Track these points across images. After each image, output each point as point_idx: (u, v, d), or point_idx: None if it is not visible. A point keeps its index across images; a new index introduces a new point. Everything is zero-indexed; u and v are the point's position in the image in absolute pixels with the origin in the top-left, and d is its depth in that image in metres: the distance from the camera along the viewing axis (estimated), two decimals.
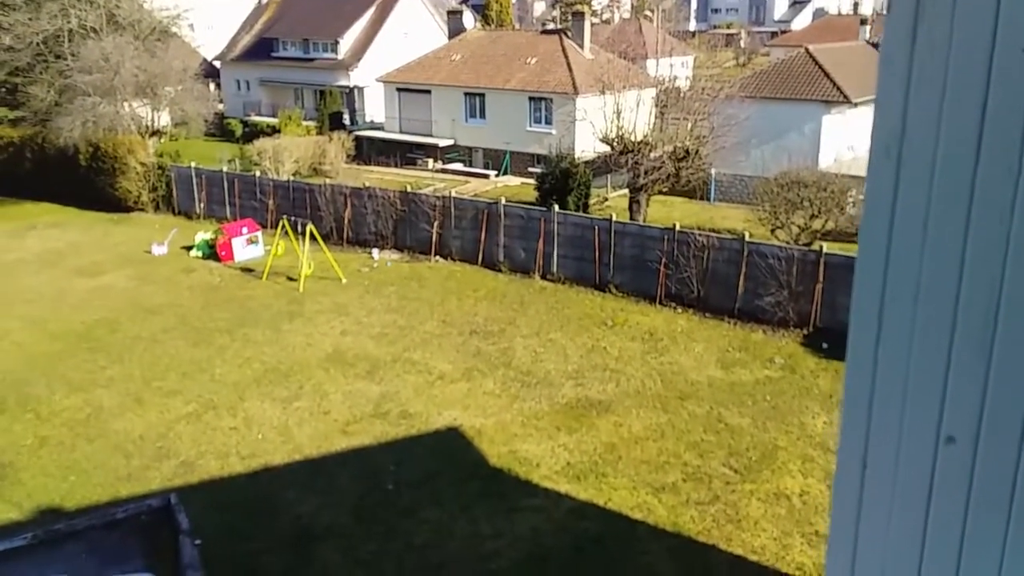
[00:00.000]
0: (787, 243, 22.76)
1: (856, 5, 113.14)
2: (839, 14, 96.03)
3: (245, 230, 27.35)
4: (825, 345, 19.31)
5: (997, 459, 2.62)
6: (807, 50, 37.63)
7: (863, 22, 53.99)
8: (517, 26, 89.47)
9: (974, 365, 2.60)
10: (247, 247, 27.14)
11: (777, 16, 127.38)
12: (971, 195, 2.54)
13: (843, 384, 3.05)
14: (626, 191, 29.44)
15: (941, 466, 2.75)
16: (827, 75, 35.32)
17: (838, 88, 34.60)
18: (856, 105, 34.21)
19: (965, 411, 2.65)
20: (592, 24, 48.03)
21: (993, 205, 2.51)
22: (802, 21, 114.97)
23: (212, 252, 27.11)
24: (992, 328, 2.55)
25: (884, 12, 2.71)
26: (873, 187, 2.78)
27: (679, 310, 21.98)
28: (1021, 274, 2.50)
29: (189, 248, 27.71)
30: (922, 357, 2.74)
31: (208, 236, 27.65)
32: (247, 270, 25.88)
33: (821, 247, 20.49)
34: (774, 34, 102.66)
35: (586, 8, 53.28)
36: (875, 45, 43.78)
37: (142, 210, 32.78)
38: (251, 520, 13.35)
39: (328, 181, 30.50)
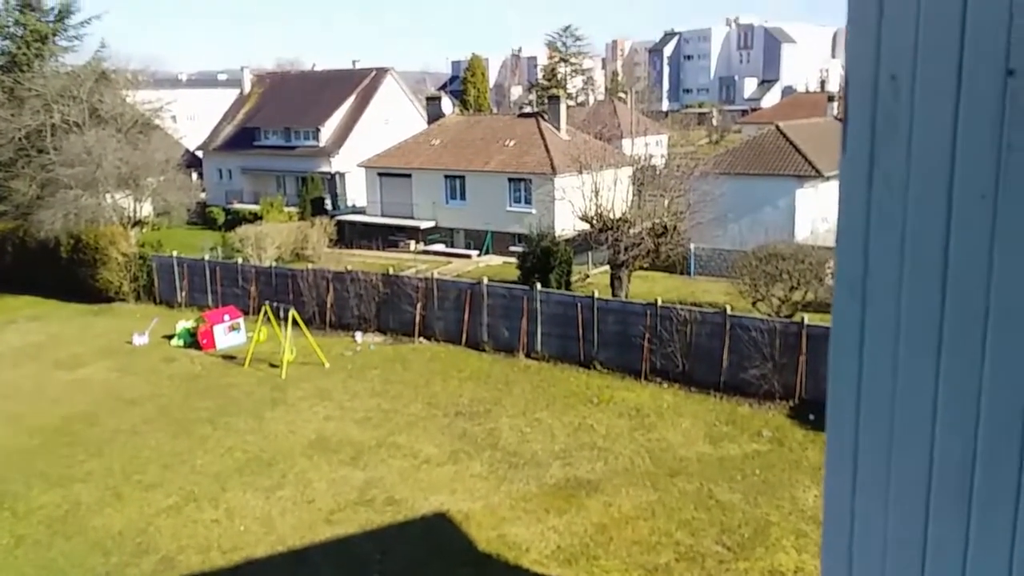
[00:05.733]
0: (769, 315, 22.91)
1: (823, 83, 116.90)
2: (807, 91, 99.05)
3: (227, 317, 27.21)
4: (812, 417, 19.25)
5: None
6: (777, 127, 38.67)
7: (830, 99, 55.70)
8: (495, 110, 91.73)
9: (954, 519, 2.51)
10: (229, 334, 26.97)
11: (747, 95, 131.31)
12: (939, 341, 2.44)
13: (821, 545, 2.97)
14: (607, 267, 29.69)
15: None
16: (798, 150, 36.21)
17: (809, 163, 35.44)
18: (828, 179, 34.98)
19: (947, 558, 2.58)
20: (568, 106, 49.21)
21: (962, 353, 2.39)
22: (771, 99, 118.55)
23: (193, 341, 26.88)
24: (969, 481, 2.46)
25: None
26: (839, 328, 2.68)
27: (665, 385, 21.93)
28: (997, 423, 2.38)
29: (170, 337, 27.49)
30: (899, 511, 2.65)
31: (189, 324, 27.47)
32: (229, 357, 25.66)
33: (803, 319, 20.64)
34: (744, 112, 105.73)
35: (561, 92, 54.76)
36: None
37: (123, 300, 32.60)
38: None
39: (310, 266, 30.55)
